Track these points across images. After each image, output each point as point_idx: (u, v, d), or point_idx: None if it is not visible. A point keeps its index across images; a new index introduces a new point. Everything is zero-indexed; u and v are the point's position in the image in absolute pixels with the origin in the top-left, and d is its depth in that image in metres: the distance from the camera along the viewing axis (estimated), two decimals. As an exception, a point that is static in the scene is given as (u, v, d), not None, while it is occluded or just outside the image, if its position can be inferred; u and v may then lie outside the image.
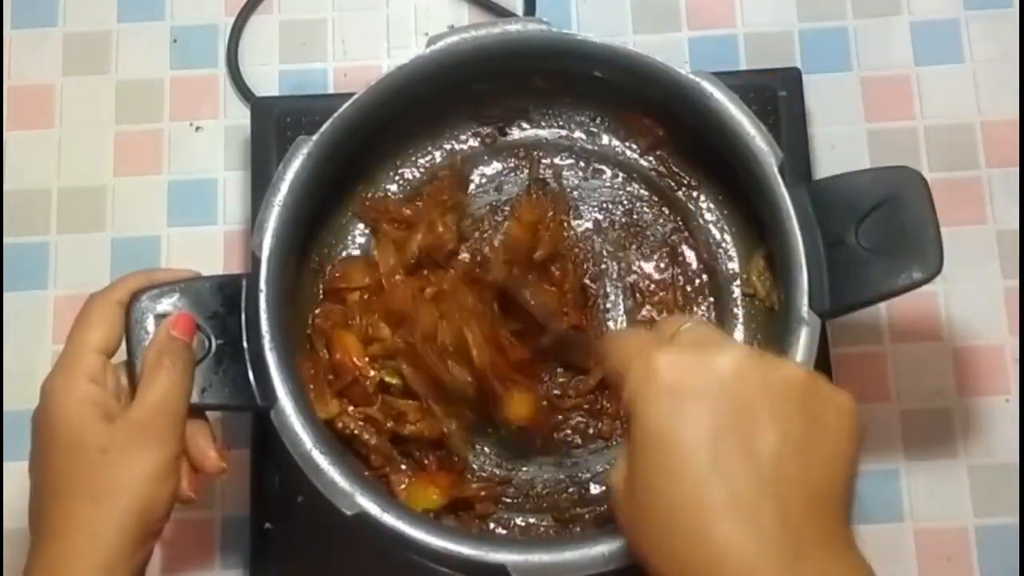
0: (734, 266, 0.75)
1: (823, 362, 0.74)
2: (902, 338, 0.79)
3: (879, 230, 0.64)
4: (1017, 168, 0.82)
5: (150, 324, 0.62)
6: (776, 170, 0.66)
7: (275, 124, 0.79)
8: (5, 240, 0.82)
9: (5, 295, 0.81)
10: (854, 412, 0.47)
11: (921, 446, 0.77)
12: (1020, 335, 0.79)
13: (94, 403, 0.59)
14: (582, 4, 0.87)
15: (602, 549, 0.59)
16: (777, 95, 0.79)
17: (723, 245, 0.76)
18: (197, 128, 0.85)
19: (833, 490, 0.45)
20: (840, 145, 0.82)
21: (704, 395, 0.45)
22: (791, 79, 0.80)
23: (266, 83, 0.85)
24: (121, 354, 0.63)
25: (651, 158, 0.77)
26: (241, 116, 0.83)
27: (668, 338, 0.49)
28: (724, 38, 0.86)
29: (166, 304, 0.63)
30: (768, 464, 0.44)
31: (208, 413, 0.64)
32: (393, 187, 0.77)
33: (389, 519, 0.61)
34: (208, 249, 0.82)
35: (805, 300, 0.63)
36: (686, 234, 0.76)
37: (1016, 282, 0.80)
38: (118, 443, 0.58)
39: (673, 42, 0.85)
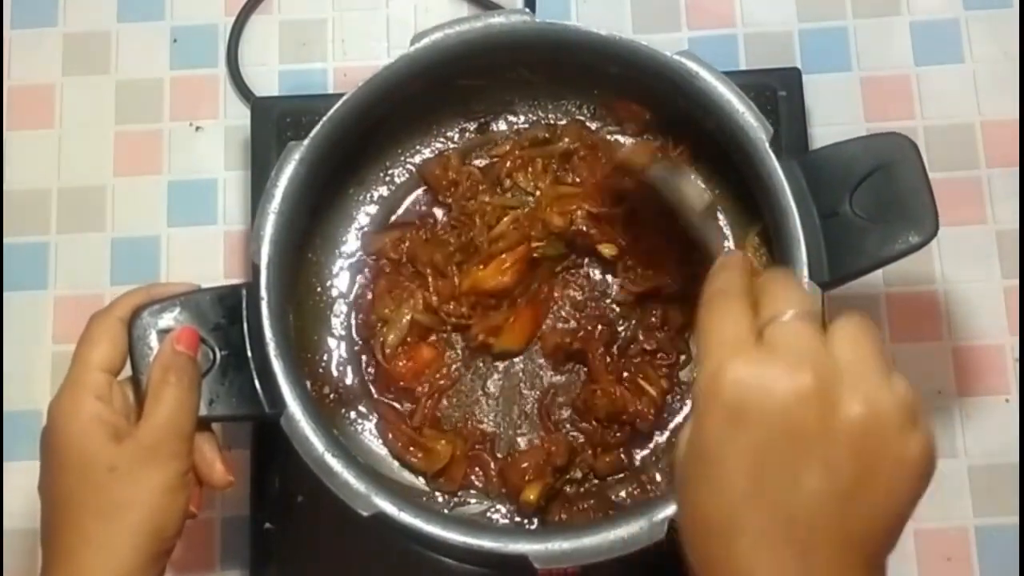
0: (729, 244, 0.75)
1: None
2: (902, 338, 0.79)
3: (873, 198, 0.64)
4: (1017, 168, 0.82)
5: (152, 340, 0.62)
6: (767, 145, 0.66)
7: (275, 124, 0.79)
8: (5, 240, 0.82)
9: (5, 295, 0.81)
10: (919, 464, 0.44)
11: (921, 446, 0.77)
12: (1020, 335, 0.79)
13: (101, 422, 0.58)
14: (582, 4, 0.87)
15: (620, 534, 0.60)
16: (777, 95, 0.79)
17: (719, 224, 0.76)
18: (197, 128, 0.85)
19: (868, 540, 0.44)
20: (840, 145, 0.82)
21: (760, 423, 0.43)
22: (791, 79, 0.80)
23: (266, 83, 0.85)
24: (127, 371, 0.63)
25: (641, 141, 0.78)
26: (241, 116, 0.83)
27: (761, 326, 0.45)
28: (724, 38, 0.86)
29: (168, 319, 0.63)
30: (805, 505, 0.43)
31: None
32: (383, 190, 0.77)
33: (406, 517, 0.61)
34: (208, 249, 0.82)
35: (804, 272, 0.63)
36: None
37: (1016, 282, 0.80)
38: (127, 462, 0.58)
39: (673, 42, 0.85)
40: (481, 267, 0.73)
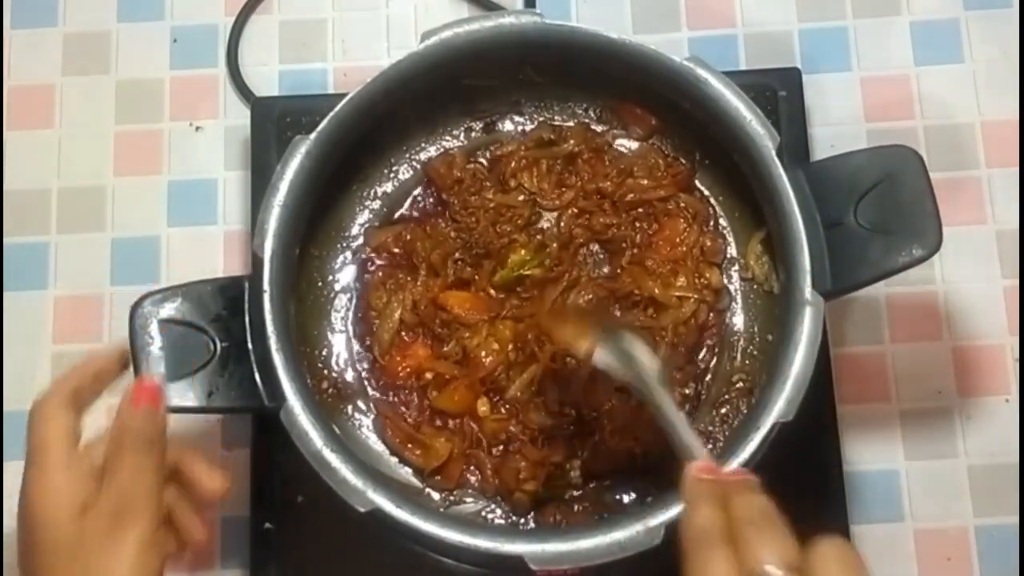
0: (732, 251, 0.76)
1: (823, 362, 0.74)
2: (902, 338, 0.79)
3: (878, 209, 0.64)
4: (1017, 168, 0.82)
5: (153, 329, 0.62)
6: (773, 153, 0.66)
7: (275, 124, 0.79)
8: (5, 240, 0.82)
9: (5, 295, 0.81)
10: None
11: (921, 446, 0.77)
12: (1020, 335, 0.79)
13: (68, 497, 0.57)
14: (582, 4, 0.87)
15: (617, 537, 0.60)
16: (777, 95, 0.79)
17: (721, 230, 0.76)
18: (197, 128, 0.85)
19: None
20: (840, 145, 0.81)
21: None
22: (791, 79, 0.80)
23: (266, 83, 0.85)
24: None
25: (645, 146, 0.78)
26: (241, 116, 0.83)
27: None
28: (724, 38, 0.86)
29: (169, 309, 0.63)
30: None
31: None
32: (387, 186, 0.78)
33: (403, 515, 0.61)
34: (208, 249, 0.82)
35: (808, 281, 0.63)
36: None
37: (1016, 282, 0.80)
38: (95, 532, 0.57)
39: (673, 42, 0.85)
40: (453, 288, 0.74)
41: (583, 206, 0.75)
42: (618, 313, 0.73)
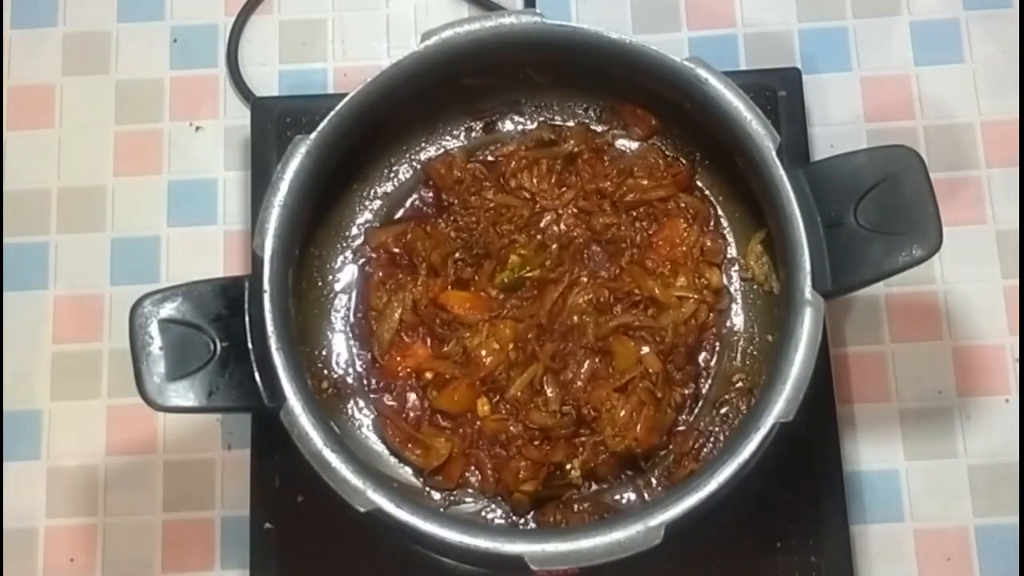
0: (732, 251, 0.76)
1: (823, 362, 0.74)
2: (902, 338, 0.79)
3: (878, 209, 0.64)
4: (1017, 168, 0.82)
5: (153, 329, 0.62)
6: (774, 153, 0.66)
7: (275, 124, 0.79)
8: (5, 240, 0.82)
9: (5, 295, 0.81)
10: None
11: (921, 446, 0.77)
12: (1020, 335, 0.79)
13: None
14: (582, 4, 0.87)
15: (617, 537, 0.60)
16: (777, 95, 0.79)
17: (721, 230, 0.76)
18: (197, 128, 0.85)
19: None
20: (840, 145, 0.82)
21: None
22: (791, 79, 0.80)
23: (266, 83, 0.85)
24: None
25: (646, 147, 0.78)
26: (241, 116, 0.83)
27: None
28: (724, 38, 0.86)
29: (169, 309, 0.63)
30: None
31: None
32: (387, 186, 0.78)
33: (403, 515, 0.61)
34: (208, 249, 0.82)
35: (808, 281, 0.63)
36: (682, 221, 0.77)
37: (1016, 282, 0.80)
38: None
39: (673, 42, 0.85)
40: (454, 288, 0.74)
41: (583, 206, 0.75)
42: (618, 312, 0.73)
